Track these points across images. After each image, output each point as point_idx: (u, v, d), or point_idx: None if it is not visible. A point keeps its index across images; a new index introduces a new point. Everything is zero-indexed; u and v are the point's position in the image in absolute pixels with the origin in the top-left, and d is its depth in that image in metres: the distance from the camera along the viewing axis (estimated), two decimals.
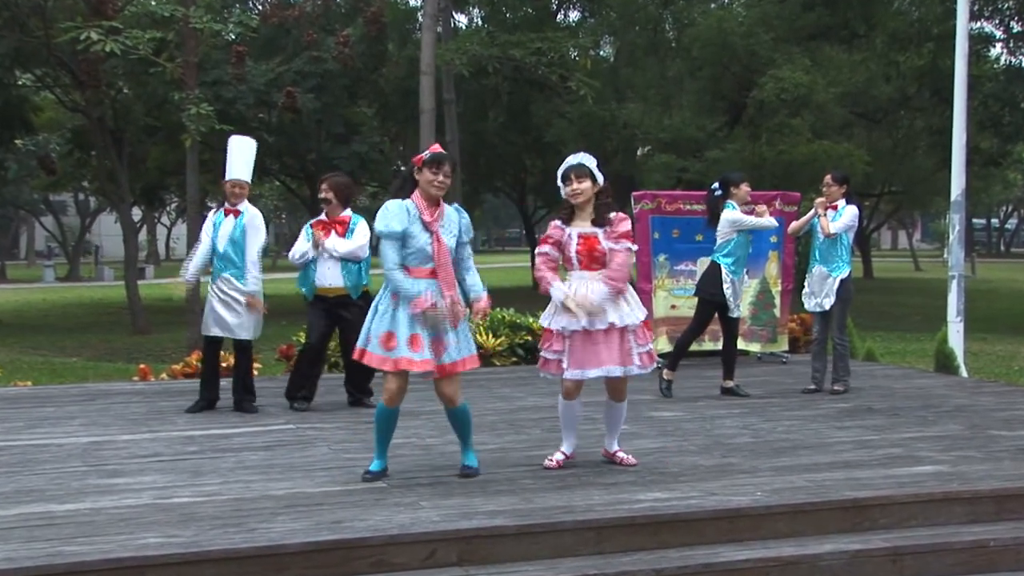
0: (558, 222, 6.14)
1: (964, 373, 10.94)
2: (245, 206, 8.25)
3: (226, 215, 8.22)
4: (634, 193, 11.84)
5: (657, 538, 5.12)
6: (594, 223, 6.07)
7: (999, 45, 25.14)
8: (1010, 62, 24.93)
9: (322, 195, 8.40)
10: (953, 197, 11.29)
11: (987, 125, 23.32)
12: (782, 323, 11.55)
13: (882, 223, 50.24)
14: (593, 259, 6.05)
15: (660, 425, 7.69)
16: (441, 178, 5.73)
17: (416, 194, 5.76)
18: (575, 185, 6.06)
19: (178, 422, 7.85)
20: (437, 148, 5.90)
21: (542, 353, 6.15)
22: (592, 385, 6.32)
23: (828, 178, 9.20)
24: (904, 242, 66.45)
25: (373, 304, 5.85)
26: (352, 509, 5.27)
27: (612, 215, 6.08)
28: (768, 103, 19.46)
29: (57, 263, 44.78)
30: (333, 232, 8.33)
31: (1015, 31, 23.88)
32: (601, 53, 26.63)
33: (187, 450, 6.81)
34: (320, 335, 8.44)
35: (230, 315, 8.12)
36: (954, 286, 11.12)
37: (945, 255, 26.00)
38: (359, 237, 8.30)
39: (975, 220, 62.79)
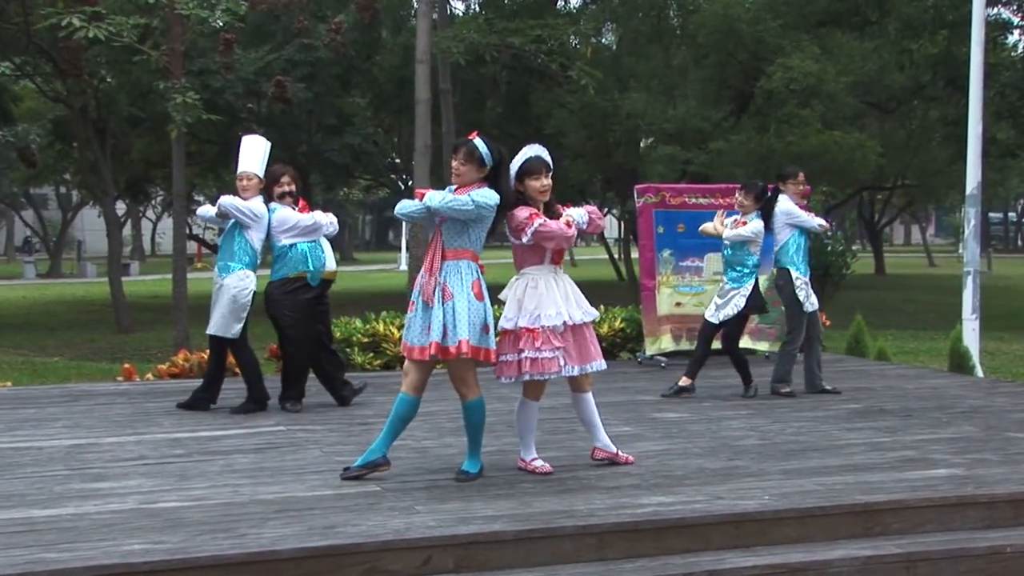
0: (532, 209, 6.08)
1: (980, 373, 10.96)
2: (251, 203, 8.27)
3: None
4: (637, 186, 11.84)
5: (661, 544, 5.13)
6: (551, 218, 6.15)
7: (1017, 32, 25.13)
8: None
9: (287, 188, 8.36)
10: (968, 190, 11.30)
11: (1004, 115, 23.30)
12: None
13: (895, 217, 50.26)
14: (560, 253, 6.22)
15: (664, 427, 7.69)
16: (454, 164, 5.95)
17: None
18: (545, 180, 6.13)
19: (164, 424, 7.85)
20: (472, 135, 6.01)
21: (530, 354, 5.98)
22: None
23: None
24: (917, 237, 66.47)
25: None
26: (345, 514, 5.27)
27: (557, 206, 6.25)
28: (776, 93, 19.44)
29: (38, 259, 44.68)
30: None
31: None
32: (603, 41, 26.59)
33: (174, 453, 6.82)
34: (315, 327, 8.42)
35: (215, 310, 8.18)
36: (969, 282, 11.13)
37: (960, 250, 25.99)
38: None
39: (991, 214, 62.73)
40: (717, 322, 9.05)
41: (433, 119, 17.38)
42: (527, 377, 6.04)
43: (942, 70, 23.26)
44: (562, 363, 6.03)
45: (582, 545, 5.05)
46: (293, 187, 8.38)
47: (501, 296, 6.22)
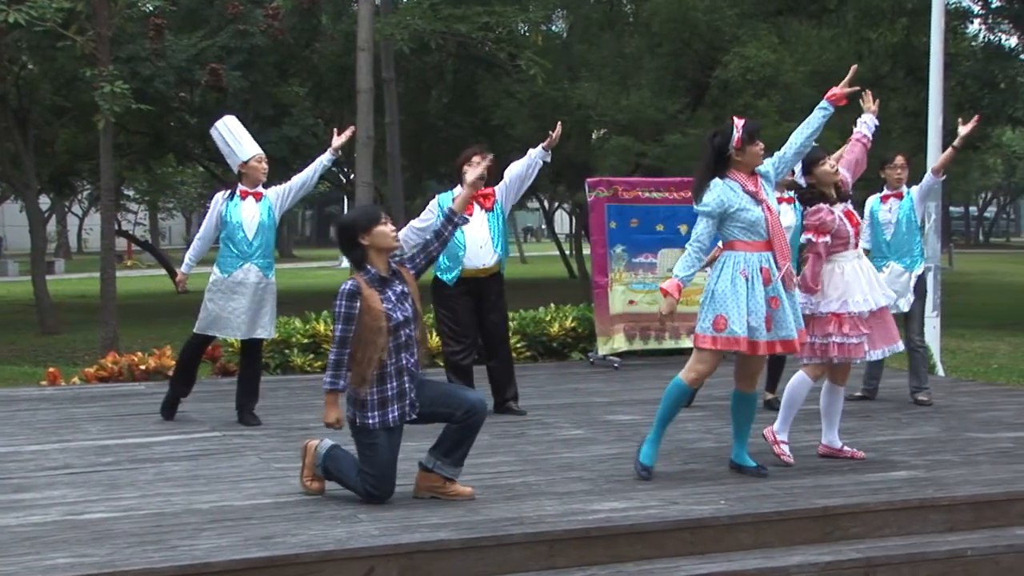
0: (825, 206, 6.49)
1: (940, 372, 11.12)
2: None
3: (243, 198, 7.99)
4: (588, 180, 11.87)
5: (613, 551, 5.16)
6: (840, 200, 6.66)
7: (977, 21, 25.45)
8: (988, 39, 25.26)
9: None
10: None
11: (965, 107, 23.59)
12: None
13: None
14: (858, 236, 6.73)
15: (616, 429, 7.72)
16: (763, 145, 6.18)
17: (732, 171, 6.07)
18: (832, 161, 6.67)
19: (91, 430, 7.76)
20: (743, 120, 6.13)
21: (837, 339, 6.41)
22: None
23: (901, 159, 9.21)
24: None
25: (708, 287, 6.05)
26: (283, 523, 5.25)
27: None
28: (733, 83, 19.58)
29: None
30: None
31: (994, 6, 24.19)
32: (553, 28, 26.63)
33: (101, 461, 6.74)
34: (474, 330, 8.09)
35: (259, 313, 7.92)
36: (930, 279, 11.27)
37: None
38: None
39: (952, 208, 63.70)
40: None
41: (376, 109, 17.32)
42: (834, 361, 6.48)
43: (901, 60, 23.54)
44: (867, 348, 6.49)
45: (532, 553, 5.06)
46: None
47: None
